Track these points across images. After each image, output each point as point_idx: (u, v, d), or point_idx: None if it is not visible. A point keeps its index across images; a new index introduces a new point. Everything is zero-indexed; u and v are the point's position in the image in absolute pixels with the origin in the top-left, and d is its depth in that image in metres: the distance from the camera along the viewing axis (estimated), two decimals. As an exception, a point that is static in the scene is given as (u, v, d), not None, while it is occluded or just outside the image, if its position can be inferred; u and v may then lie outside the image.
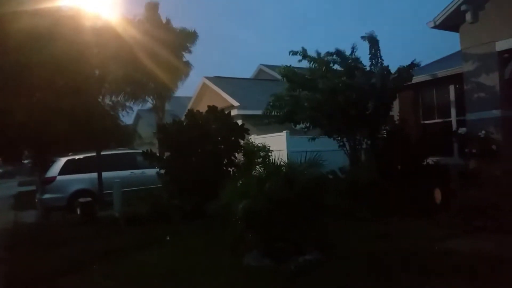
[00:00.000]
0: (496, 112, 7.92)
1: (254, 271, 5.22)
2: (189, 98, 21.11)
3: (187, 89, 21.98)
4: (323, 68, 9.29)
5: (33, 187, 15.99)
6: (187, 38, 19.96)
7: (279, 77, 19.80)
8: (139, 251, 6.56)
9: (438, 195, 7.44)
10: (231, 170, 9.48)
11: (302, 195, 5.62)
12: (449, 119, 10.30)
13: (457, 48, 9.53)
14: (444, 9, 8.62)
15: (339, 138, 9.64)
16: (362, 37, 9.07)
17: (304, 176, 5.85)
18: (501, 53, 7.90)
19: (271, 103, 9.76)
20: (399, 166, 8.46)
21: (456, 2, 8.40)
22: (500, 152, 7.69)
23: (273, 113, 9.82)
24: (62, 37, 11.38)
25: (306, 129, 10.15)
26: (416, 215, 7.24)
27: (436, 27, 8.94)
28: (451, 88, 10.35)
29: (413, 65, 9.15)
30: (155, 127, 20.09)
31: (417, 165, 8.85)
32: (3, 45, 10.81)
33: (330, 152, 9.07)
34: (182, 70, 20.22)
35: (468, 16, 8.33)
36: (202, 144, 9.00)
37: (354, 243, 6.04)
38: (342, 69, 9.45)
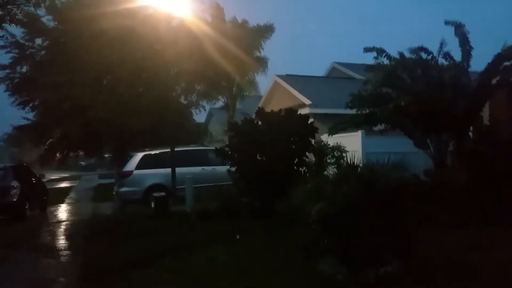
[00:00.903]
0: None
1: (329, 279, 4.87)
2: (260, 97, 21.10)
3: (258, 88, 22.00)
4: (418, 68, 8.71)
5: (112, 180, 16.92)
6: (262, 33, 19.80)
7: (353, 75, 19.26)
8: (209, 247, 6.49)
9: (542, 206, 6.49)
10: (301, 170, 9.17)
11: (383, 200, 5.16)
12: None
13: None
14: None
15: (422, 140, 8.89)
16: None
17: (386, 179, 5.37)
18: None
19: (349, 103, 9.24)
20: (493, 170, 7.56)
21: None
22: None
23: (354, 111, 9.31)
24: (141, 36, 11.84)
25: (384, 130, 9.54)
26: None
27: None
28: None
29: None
30: (226, 125, 20.47)
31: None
32: (89, 46, 11.49)
33: (410, 153, 8.43)
34: (255, 69, 20.19)
35: None
36: (274, 143, 8.78)
37: (442, 254, 5.40)
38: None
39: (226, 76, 19.23)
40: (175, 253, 6.30)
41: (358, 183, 5.24)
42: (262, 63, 20.83)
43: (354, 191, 5.13)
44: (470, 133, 9.10)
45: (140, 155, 12.16)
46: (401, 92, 8.85)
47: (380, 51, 9.15)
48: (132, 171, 11.85)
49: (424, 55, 8.96)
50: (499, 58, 8.35)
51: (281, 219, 7.48)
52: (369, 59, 9.61)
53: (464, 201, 7.06)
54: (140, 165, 11.89)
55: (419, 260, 5.07)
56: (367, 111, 9.06)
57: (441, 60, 8.96)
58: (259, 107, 9.51)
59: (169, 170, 11.25)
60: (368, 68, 9.80)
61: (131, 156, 12.34)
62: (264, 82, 22.01)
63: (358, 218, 5.02)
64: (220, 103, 22.64)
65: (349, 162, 6.96)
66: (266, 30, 19.86)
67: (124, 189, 11.71)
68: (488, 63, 8.49)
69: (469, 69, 8.95)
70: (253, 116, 10.17)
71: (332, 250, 5.38)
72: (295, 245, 5.97)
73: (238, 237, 7.06)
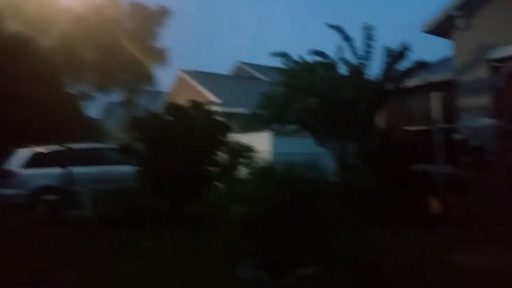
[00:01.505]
0: (488, 121, 7.77)
1: (249, 283, 4.72)
2: (164, 93, 20.25)
3: (162, 83, 21.21)
4: (327, 73, 8.96)
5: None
6: (158, 18, 18.95)
7: (258, 75, 19.54)
8: (113, 258, 5.84)
9: (435, 204, 7.17)
10: (212, 169, 8.87)
11: (303, 201, 5.15)
12: (434, 126, 10.20)
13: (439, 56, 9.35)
14: (437, 14, 8.42)
15: (328, 141, 9.27)
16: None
17: (305, 180, 5.37)
18: (493, 61, 7.77)
19: (261, 104, 9.28)
20: (392, 172, 8.17)
21: (449, 8, 8.21)
22: (492, 162, 7.52)
23: (262, 113, 9.36)
24: (21, 11, 10.38)
25: (293, 130, 9.76)
26: (413, 224, 6.96)
27: (428, 32, 8.70)
28: (437, 95, 10.23)
29: (423, 64, 8.82)
30: (126, 121, 19.19)
31: (407, 172, 8.63)
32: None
33: (317, 155, 8.71)
34: (155, 60, 19.28)
35: (460, 23, 8.17)
36: (184, 140, 8.33)
37: (355, 254, 5.62)
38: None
39: (123, 66, 18.05)
40: (73, 267, 5.54)
41: (280, 185, 5.15)
42: (162, 55, 19.96)
43: (276, 193, 5.03)
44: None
45: (25, 152, 10.64)
46: (308, 94, 9.09)
47: (286, 56, 9.35)
48: (13, 170, 10.30)
49: (323, 59, 9.26)
50: (388, 65, 9.02)
51: (194, 223, 7.12)
52: (274, 61, 9.78)
53: (368, 203, 7.49)
54: (25, 164, 10.39)
55: (337, 261, 5.18)
56: (278, 111, 9.16)
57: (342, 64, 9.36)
58: (169, 101, 8.95)
59: (62, 170, 10.00)
60: (277, 70, 9.97)
61: (13, 153, 10.75)
62: (168, 78, 21.19)
63: (280, 220, 4.94)
64: (119, 97, 21.23)
65: (262, 163, 6.91)
66: (162, 15, 19.00)
67: (4, 191, 10.13)
68: (381, 70, 9.11)
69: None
70: (157, 112, 9.58)
71: (252, 254, 5.23)
72: (211, 251, 5.71)
73: (147, 244, 6.52)
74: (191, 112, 8.75)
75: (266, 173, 5.99)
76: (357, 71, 8.95)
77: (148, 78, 20.32)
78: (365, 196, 7.37)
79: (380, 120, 10.64)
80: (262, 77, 19.25)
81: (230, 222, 5.26)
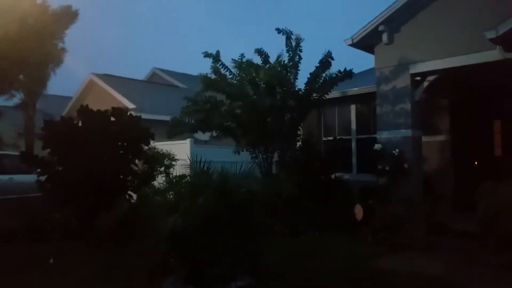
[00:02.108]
0: (406, 132, 8.18)
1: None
2: (66, 98, 18.53)
3: (63, 88, 19.32)
4: (248, 76, 8.76)
5: None
6: (68, 19, 17.22)
7: (174, 82, 18.88)
8: (11, 278, 4.97)
9: (358, 211, 7.35)
10: (129, 179, 8.15)
11: (237, 211, 4.85)
12: (354, 136, 10.62)
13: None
14: (363, 27, 8.68)
15: (252, 150, 9.11)
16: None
17: (240, 189, 5.07)
18: (413, 75, 8.22)
19: (187, 108, 8.85)
20: (313, 180, 8.27)
21: (375, 22, 8.52)
22: (408, 170, 7.92)
23: (186, 120, 8.92)
24: None
25: (215, 137, 9.47)
26: (336, 230, 7.07)
27: (353, 44, 8.94)
28: (353, 107, 10.70)
29: (348, 73, 8.98)
30: (23, 127, 17.12)
31: (327, 180, 8.82)
32: None
33: (237, 164, 8.47)
34: (56, 59, 17.41)
35: (384, 37, 8.49)
36: (99, 147, 7.55)
37: (286, 263, 5.50)
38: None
39: (22, 66, 16.13)
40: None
41: (215, 194, 4.77)
42: (64, 57, 18.15)
43: (209, 202, 4.64)
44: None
45: None
46: (232, 99, 8.87)
47: (216, 58, 9.05)
48: None
49: (258, 59, 9.12)
50: (314, 74, 9.16)
51: (106, 238, 6.39)
52: (190, 69, 9.45)
53: (292, 210, 7.44)
54: None
55: (269, 272, 5.01)
56: (203, 116, 8.82)
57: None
58: (81, 105, 8.02)
59: None
60: (193, 77, 9.67)
61: None
62: (74, 83, 19.34)
63: (213, 231, 4.57)
64: (14, 100, 18.86)
65: (189, 172, 6.44)
66: (67, 16, 17.20)
67: None
68: (307, 80, 9.23)
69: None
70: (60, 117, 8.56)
71: (180, 269, 4.78)
72: (132, 266, 5.13)
73: (50, 261, 5.68)
74: (107, 117, 7.99)
75: (197, 182, 5.56)
76: (285, 78, 8.92)
77: (47, 80, 18.36)
78: (290, 205, 7.28)
79: (303, 129, 10.78)
80: (178, 84, 18.70)
81: (154, 234, 4.74)
